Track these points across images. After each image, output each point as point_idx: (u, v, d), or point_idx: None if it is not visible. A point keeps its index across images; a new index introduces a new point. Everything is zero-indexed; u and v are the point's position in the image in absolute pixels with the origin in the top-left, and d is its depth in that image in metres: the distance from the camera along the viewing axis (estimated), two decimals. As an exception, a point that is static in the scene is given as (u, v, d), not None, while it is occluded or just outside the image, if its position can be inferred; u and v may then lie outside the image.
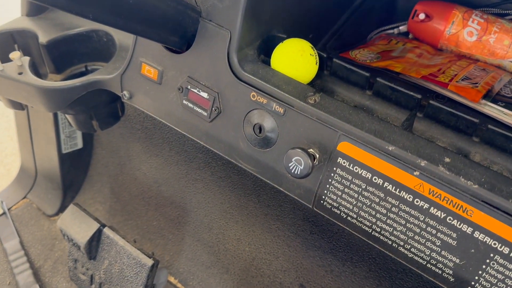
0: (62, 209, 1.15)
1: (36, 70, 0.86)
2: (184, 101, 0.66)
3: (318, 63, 0.62)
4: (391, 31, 0.87)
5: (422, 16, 0.81)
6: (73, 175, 1.13)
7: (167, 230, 0.99)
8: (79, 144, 1.09)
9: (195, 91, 0.65)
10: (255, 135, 0.61)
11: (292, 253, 0.82)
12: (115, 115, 0.88)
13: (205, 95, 0.64)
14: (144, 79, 0.70)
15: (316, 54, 0.62)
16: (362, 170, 0.54)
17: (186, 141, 0.92)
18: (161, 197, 1.00)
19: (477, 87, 0.67)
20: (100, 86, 0.77)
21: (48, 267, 1.05)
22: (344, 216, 0.58)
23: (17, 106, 0.90)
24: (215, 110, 0.64)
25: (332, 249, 0.78)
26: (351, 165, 0.55)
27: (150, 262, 0.70)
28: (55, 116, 1.02)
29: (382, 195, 0.54)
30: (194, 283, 0.94)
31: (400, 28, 0.86)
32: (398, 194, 0.53)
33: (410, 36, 0.85)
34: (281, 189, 0.62)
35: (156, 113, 0.71)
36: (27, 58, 0.83)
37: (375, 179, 0.54)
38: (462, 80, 0.69)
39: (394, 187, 0.53)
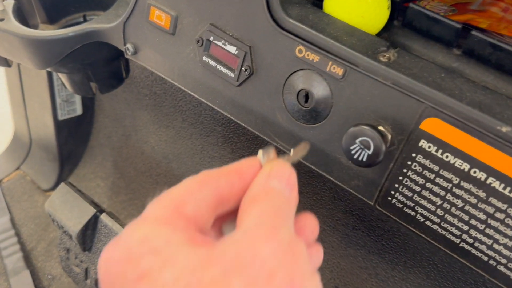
0: (59, 183, 1.01)
1: (24, 20, 0.70)
2: (204, 57, 0.50)
3: (390, 8, 0.45)
4: (462, -21, 0.69)
5: (507, -41, 0.63)
6: (71, 145, 0.98)
7: (178, 214, 0.85)
8: (78, 110, 0.94)
9: (220, 44, 0.49)
10: (299, 105, 0.46)
11: (327, 250, 0.67)
12: (118, 76, 0.73)
13: (232, 49, 0.48)
14: (153, 28, 0.54)
15: (388, -5, 0.45)
16: (455, 159, 0.38)
17: (203, 110, 0.76)
18: (172, 175, 0.85)
19: None
20: (98, 38, 0.61)
21: (41, 250, 0.92)
22: (422, 220, 0.42)
23: (1, 61, 0.75)
24: (245, 70, 0.48)
25: (380, 249, 0.63)
26: (440, 151, 0.39)
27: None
28: (49, 75, 0.86)
29: (482, 195, 0.38)
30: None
31: (474, -24, 0.68)
32: (509, 195, 0.37)
33: (486, -14, 0.68)
34: (331, 178, 0.47)
35: (166, 74, 0.55)
36: (11, 2, 0.68)
37: (474, 172, 0.38)
38: None
39: (503, 185, 0.37)
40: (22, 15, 0.70)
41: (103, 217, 0.61)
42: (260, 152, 0.32)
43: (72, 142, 0.97)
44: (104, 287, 0.26)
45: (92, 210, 0.61)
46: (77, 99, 0.93)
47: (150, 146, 0.87)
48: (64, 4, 0.74)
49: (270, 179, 0.30)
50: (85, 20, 0.74)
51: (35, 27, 0.74)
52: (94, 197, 0.97)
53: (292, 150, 0.35)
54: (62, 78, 0.73)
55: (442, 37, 0.45)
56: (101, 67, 0.69)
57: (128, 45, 0.57)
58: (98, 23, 0.61)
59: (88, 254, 0.64)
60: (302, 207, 0.71)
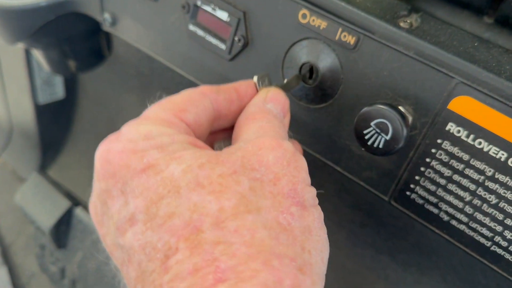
0: (40, 171, 0.94)
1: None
2: (190, 26, 0.43)
3: (411, -33, 0.38)
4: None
5: None
6: (53, 131, 0.91)
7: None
8: (60, 93, 0.87)
9: (209, 9, 0.42)
10: (302, 82, 0.39)
11: (332, 249, 0.60)
12: (98, 53, 0.66)
13: (223, 15, 0.41)
14: (133, -6, 0.47)
15: (409, -49, 0.38)
16: (490, 146, 0.32)
17: (193, 92, 0.69)
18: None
19: None
20: (74, 8, 0.54)
21: (20, 245, 0.85)
22: (446, 219, 0.35)
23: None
24: (238, 40, 0.41)
25: (390, 248, 0.56)
26: (472, 136, 0.32)
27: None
28: (28, 53, 0.79)
29: (523, 189, 0.32)
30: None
31: None
32: (556, 190, 0.30)
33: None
34: (339, 168, 0.40)
35: (149, 47, 0.48)
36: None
37: (514, 162, 0.31)
38: None
39: (551, 178, 0.30)
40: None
41: (79, 211, 0.54)
42: (255, 77, 0.32)
43: (54, 127, 0.90)
44: (102, 178, 0.26)
45: (66, 203, 0.54)
46: (59, 81, 0.85)
47: (137, 133, 0.80)
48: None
49: (267, 102, 0.31)
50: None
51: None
52: (78, 187, 0.90)
53: (285, 79, 0.36)
54: (37, 55, 0.66)
55: (471, 3, 0.38)
56: (80, 42, 0.62)
57: (106, 15, 0.50)
58: (73, -10, 0.53)
59: (64, 251, 0.57)
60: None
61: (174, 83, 0.71)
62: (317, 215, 0.27)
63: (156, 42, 0.47)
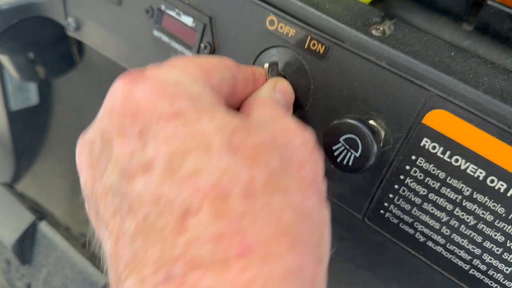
0: (15, 179, 0.91)
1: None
2: (155, 31, 0.41)
3: (385, -29, 0.36)
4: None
5: None
6: (27, 138, 0.88)
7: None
8: (34, 99, 0.84)
9: (173, 14, 0.39)
10: (270, 92, 0.36)
11: (310, 263, 0.58)
12: (68, 59, 0.63)
13: (188, 21, 0.38)
14: (96, -2, 0.44)
15: (383, -46, 0.36)
16: (468, 163, 0.29)
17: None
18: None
19: None
20: (38, 12, 0.52)
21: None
22: (422, 240, 0.33)
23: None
24: (205, 47, 0.38)
25: (370, 264, 0.54)
26: (448, 152, 0.30)
27: (102, 279, 0.46)
28: (-3, 60, 0.76)
29: (501, 210, 0.29)
30: None
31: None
32: (537, 211, 0.28)
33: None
34: (310, 184, 0.37)
35: (114, 54, 0.45)
36: None
37: (492, 181, 0.29)
38: None
39: (532, 199, 0.28)
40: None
41: (43, 225, 0.51)
42: (266, 64, 0.32)
43: (28, 134, 0.87)
44: (117, 114, 0.22)
45: (30, 217, 0.51)
46: (32, 86, 0.82)
47: (113, 140, 0.78)
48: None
49: (276, 91, 0.31)
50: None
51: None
52: (53, 197, 0.88)
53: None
54: (3, 60, 0.63)
55: (449, 9, 0.36)
56: (47, 47, 0.59)
57: (70, 19, 0.48)
58: (37, -8, 0.51)
59: (29, 267, 0.54)
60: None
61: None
62: (328, 211, 0.26)
63: (121, 48, 0.45)
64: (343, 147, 0.30)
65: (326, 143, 0.31)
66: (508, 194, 0.29)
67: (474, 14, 0.36)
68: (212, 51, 0.38)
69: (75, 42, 0.62)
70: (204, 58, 0.27)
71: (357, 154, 0.30)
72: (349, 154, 0.30)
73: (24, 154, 0.88)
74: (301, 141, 0.25)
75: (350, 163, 0.30)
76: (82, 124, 0.88)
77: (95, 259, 0.49)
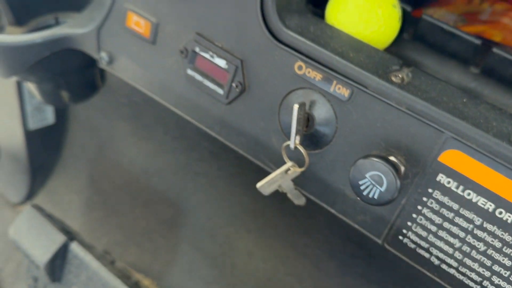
0: (30, 196, 0.94)
1: (-12, 20, 0.63)
2: (189, 70, 0.44)
3: (401, 20, 0.40)
4: (466, -13, 0.64)
5: (517, -34, 0.59)
6: (43, 156, 0.91)
7: (158, 233, 0.78)
8: (50, 119, 0.87)
9: (207, 56, 0.43)
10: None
11: (323, 278, 0.62)
12: (92, 85, 0.66)
13: (221, 63, 0.42)
14: (130, 36, 0.48)
15: (399, 6, 0.40)
16: (479, 197, 0.33)
17: (187, 123, 0.70)
18: (152, 191, 0.79)
19: None
20: (70, 45, 0.55)
21: (9, 271, 0.85)
22: (437, 263, 0.37)
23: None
24: (236, 87, 0.42)
25: (381, 280, 0.58)
26: (461, 187, 0.34)
27: (132, 296, 0.50)
28: (19, 81, 0.79)
29: (509, 238, 0.33)
30: (190, 300, 0.74)
31: (479, -17, 0.63)
32: (541, 240, 0.32)
33: (494, -6, 0.63)
34: (334, 211, 0.41)
35: (146, 86, 0.49)
36: (-29, 2, 0.61)
37: (500, 213, 0.33)
38: None
39: (536, 230, 0.32)
40: (-15, 17, 0.63)
41: (74, 246, 0.54)
42: (296, 105, 0.36)
43: (44, 153, 0.90)
44: None
45: (61, 238, 0.54)
46: (50, 107, 0.85)
47: (128, 159, 0.81)
48: (34, 3, 0.67)
49: None
50: (57, 22, 0.67)
51: (2, 29, 0.67)
52: (67, 213, 0.90)
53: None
54: (31, 86, 0.66)
55: (458, 53, 0.40)
56: (74, 76, 0.62)
57: (103, 54, 0.51)
58: (70, 28, 0.54)
59: (58, 285, 0.57)
60: (295, 231, 0.66)
61: (167, 113, 0.72)
62: None
63: (153, 82, 0.48)
64: (369, 183, 0.34)
65: (353, 179, 0.35)
66: (515, 225, 0.33)
67: (481, 59, 0.40)
68: (243, 90, 0.42)
69: (98, 70, 0.66)
70: None
71: (382, 189, 0.34)
72: (374, 189, 0.34)
73: (40, 171, 0.91)
74: None
75: (376, 197, 0.34)
76: (97, 144, 0.91)
77: (125, 277, 0.53)
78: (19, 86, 0.82)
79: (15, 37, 0.56)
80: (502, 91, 0.39)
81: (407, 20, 0.42)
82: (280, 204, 0.66)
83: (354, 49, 0.37)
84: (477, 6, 0.60)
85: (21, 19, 0.66)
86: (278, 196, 0.58)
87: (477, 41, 0.39)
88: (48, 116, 0.87)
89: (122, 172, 0.82)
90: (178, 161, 0.74)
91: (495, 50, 0.38)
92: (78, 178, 0.89)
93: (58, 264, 0.55)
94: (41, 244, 0.55)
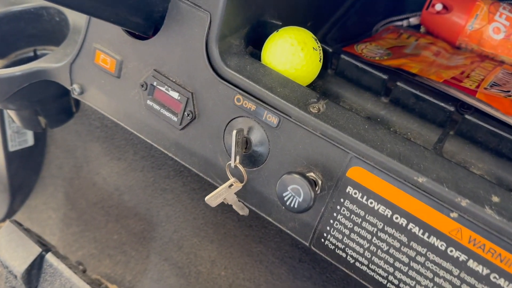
0: (9, 214, 0.99)
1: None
2: (148, 101, 0.52)
3: (322, 60, 0.48)
4: (399, 23, 0.74)
5: (439, 7, 0.69)
6: (22, 176, 0.97)
7: (130, 246, 0.85)
8: (30, 141, 0.93)
9: (163, 89, 0.50)
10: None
11: (276, 282, 0.69)
12: (67, 111, 0.73)
13: (175, 95, 0.50)
14: (98, 71, 0.55)
15: (320, 48, 0.48)
16: (379, 205, 0.41)
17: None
18: (123, 207, 0.85)
19: (511, 96, 0.54)
20: (46, 77, 0.62)
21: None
22: (352, 261, 0.45)
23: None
24: (188, 115, 0.49)
25: (325, 281, 0.65)
26: (365, 197, 0.42)
27: (102, 301, 0.56)
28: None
29: (404, 239, 0.41)
30: (160, 308, 0.80)
31: (411, 20, 0.73)
32: (427, 240, 0.40)
33: (422, 29, 0.73)
34: (270, 219, 0.49)
35: (112, 114, 0.56)
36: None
37: (396, 218, 0.41)
38: (491, 86, 0.57)
39: (422, 231, 0.40)
40: (-31, 50, 0.70)
41: (49, 256, 0.60)
42: (234, 131, 0.42)
43: (23, 172, 0.96)
44: None
45: (37, 250, 0.61)
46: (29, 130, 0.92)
47: (102, 178, 0.87)
48: (13, 38, 0.74)
49: None
50: (35, 55, 0.74)
51: (-17, 61, 0.74)
52: (46, 229, 0.96)
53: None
54: (10, 113, 0.73)
55: (370, 86, 0.49)
56: (50, 103, 0.69)
57: (75, 86, 0.58)
58: (46, 62, 0.61)
59: (34, 292, 0.63)
60: (251, 239, 0.73)
61: (136, 135, 0.79)
62: None
63: (118, 110, 0.55)
64: (290, 194, 0.42)
65: (278, 191, 0.42)
66: (408, 227, 0.41)
67: (389, 91, 0.48)
68: (194, 118, 0.49)
69: (73, 98, 0.73)
70: None
71: (300, 200, 0.41)
72: (295, 199, 0.42)
73: (20, 190, 0.97)
74: None
75: (295, 206, 0.42)
76: (74, 163, 0.98)
77: (95, 284, 0.59)
78: (0, 112, 0.88)
79: (-3, 70, 0.62)
80: (406, 117, 0.47)
81: (331, 59, 0.50)
82: (238, 216, 0.73)
83: (281, 84, 0.45)
84: (405, 40, 0.69)
85: (1, 52, 0.73)
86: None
87: (385, 76, 0.47)
88: (27, 138, 0.93)
89: (96, 190, 0.88)
90: (147, 178, 0.81)
91: (399, 84, 0.47)
92: (55, 196, 0.95)
93: (34, 273, 0.61)
94: (18, 255, 0.61)
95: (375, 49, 0.64)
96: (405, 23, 0.73)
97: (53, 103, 0.70)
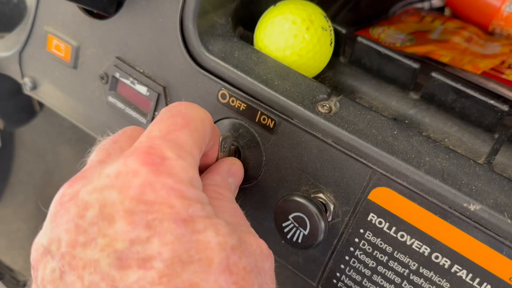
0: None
1: None
2: (110, 97, 0.41)
3: (333, 44, 0.37)
4: (420, 5, 0.62)
5: (468, -16, 0.57)
6: (-12, 182, 0.86)
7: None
8: (-5, 143, 0.82)
9: (128, 82, 0.39)
10: (224, 161, 0.36)
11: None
12: (28, 110, 0.62)
13: (143, 90, 0.39)
14: (52, 60, 0.44)
15: (331, 28, 0.37)
16: (413, 239, 0.30)
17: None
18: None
19: None
20: (-5, 68, 0.51)
21: None
22: (373, 310, 0.34)
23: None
24: (159, 115, 0.38)
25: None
26: (394, 228, 0.31)
27: None
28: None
29: (447, 285, 0.30)
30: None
31: (433, 2, 0.62)
32: (477, 287, 0.29)
33: (447, 12, 0.61)
34: (266, 251, 0.38)
35: (70, 114, 0.45)
36: None
37: (436, 257, 0.30)
38: (539, 78, 0.46)
39: (471, 275, 0.29)
40: None
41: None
42: (220, 137, 0.32)
43: (-11, 179, 0.85)
44: (129, 196, 0.22)
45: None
46: (-6, 130, 0.81)
47: (76, 186, 0.76)
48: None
49: (230, 175, 0.32)
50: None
51: None
52: (15, 242, 0.85)
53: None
54: (-39, 112, 0.62)
55: (396, 78, 0.38)
56: (5, 100, 0.58)
57: (26, 79, 0.47)
58: (-7, 50, 0.50)
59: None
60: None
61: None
62: None
63: (77, 109, 0.44)
64: (292, 225, 0.31)
65: (277, 220, 0.31)
66: (452, 270, 0.30)
67: (421, 84, 0.37)
68: (167, 119, 0.38)
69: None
70: (200, 127, 0.27)
71: (306, 232, 0.30)
72: (298, 231, 0.31)
73: (-15, 198, 0.86)
74: (269, 265, 0.26)
75: (299, 240, 0.31)
76: (45, 169, 0.86)
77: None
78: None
79: None
80: (443, 118, 0.36)
81: (344, 43, 0.39)
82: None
83: (280, 76, 0.34)
84: (429, 24, 0.58)
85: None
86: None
87: (415, 65, 0.36)
88: (-7, 140, 0.82)
89: (70, 199, 0.78)
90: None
91: (434, 74, 0.35)
92: (25, 206, 0.84)
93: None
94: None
95: (395, 34, 0.53)
96: (426, 5, 0.62)
97: (8, 100, 0.59)
